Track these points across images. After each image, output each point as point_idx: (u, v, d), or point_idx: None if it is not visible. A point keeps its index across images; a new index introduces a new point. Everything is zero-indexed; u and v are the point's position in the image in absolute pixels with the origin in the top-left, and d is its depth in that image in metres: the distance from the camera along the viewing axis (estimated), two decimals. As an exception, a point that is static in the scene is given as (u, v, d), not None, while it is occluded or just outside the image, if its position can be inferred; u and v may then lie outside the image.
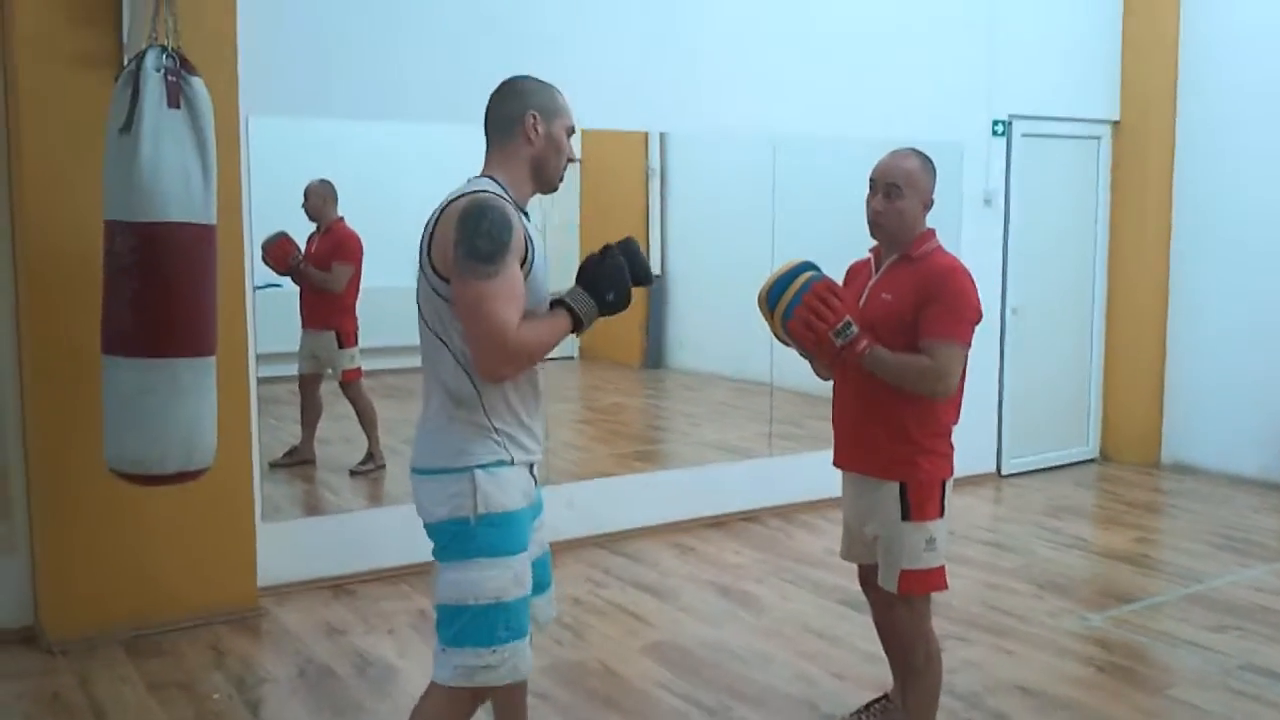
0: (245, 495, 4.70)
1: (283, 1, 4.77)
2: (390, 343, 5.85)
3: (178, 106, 3.73)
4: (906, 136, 3.88)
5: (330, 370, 6.01)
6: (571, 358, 7.65)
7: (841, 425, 3.41)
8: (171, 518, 4.45)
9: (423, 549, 2.71)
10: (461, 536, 2.59)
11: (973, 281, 3.24)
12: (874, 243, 3.38)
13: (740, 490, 6.31)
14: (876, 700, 3.76)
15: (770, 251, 6.09)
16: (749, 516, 6.25)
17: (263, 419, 4.96)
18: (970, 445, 5.63)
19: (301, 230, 5.82)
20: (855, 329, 3.11)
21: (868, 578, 3.49)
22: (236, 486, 4.62)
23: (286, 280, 5.74)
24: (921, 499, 3.23)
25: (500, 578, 2.60)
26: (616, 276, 2.72)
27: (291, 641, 4.50)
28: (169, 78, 3.70)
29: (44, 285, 4.25)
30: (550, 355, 2.71)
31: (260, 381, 4.87)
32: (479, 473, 2.59)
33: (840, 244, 3.68)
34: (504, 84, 2.75)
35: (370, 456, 5.96)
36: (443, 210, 2.57)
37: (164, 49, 3.75)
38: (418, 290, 2.66)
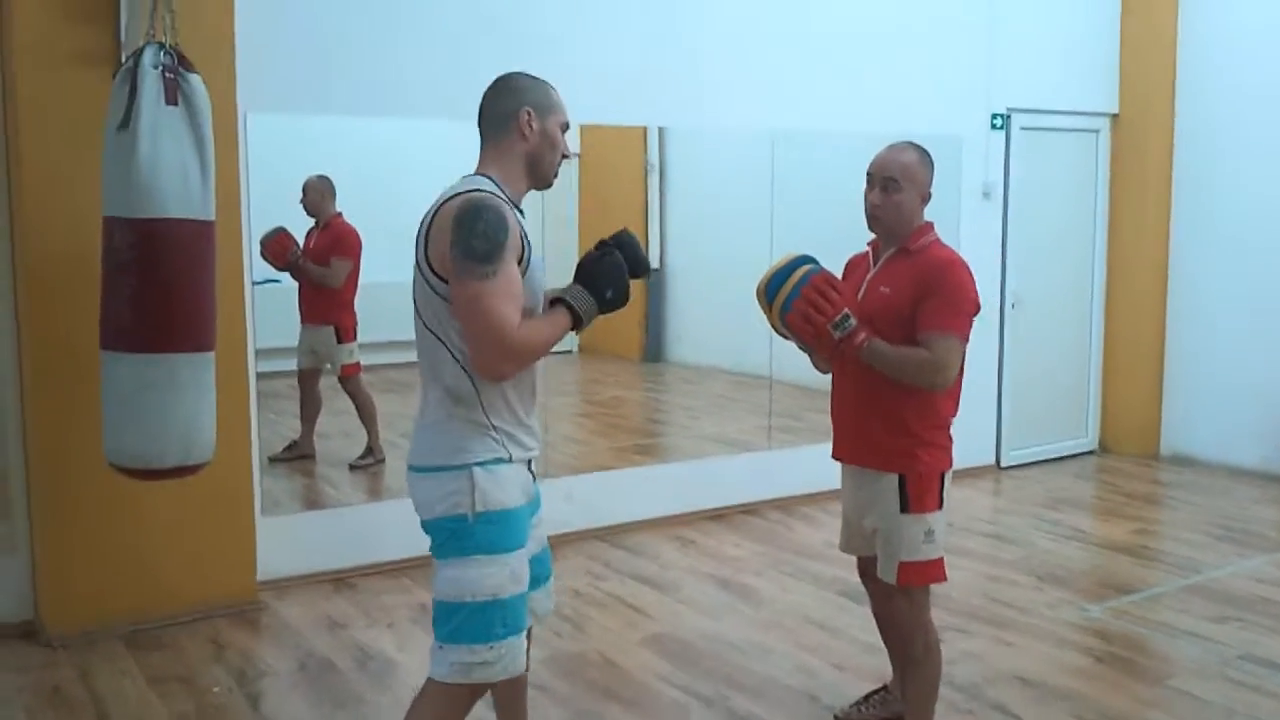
0: (245, 490, 4.71)
1: (281, -3, 4.77)
2: (389, 337, 5.85)
3: (176, 104, 3.73)
4: (905, 130, 3.88)
5: (329, 365, 6.01)
6: (571, 351, 7.66)
7: (840, 418, 3.42)
8: (171, 512, 4.46)
9: (423, 543, 2.71)
10: (460, 534, 2.59)
11: (971, 274, 3.25)
12: (872, 236, 3.39)
13: (740, 483, 6.32)
14: (876, 691, 3.77)
15: (769, 245, 6.09)
16: (749, 509, 6.26)
17: (262, 414, 4.96)
18: (970, 437, 5.65)
19: (300, 226, 5.82)
20: (854, 321, 3.11)
21: (867, 570, 3.50)
22: (236, 481, 4.63)
23: (285, 276, 5.74)
24: (920, 491, 3.23)
25: (498, 575, 2.60)
26: (615, 274, 2.73)
27: (292, 635, 4.51)
28: (167, 75, 3.71)
29: (43, 282, 4.25)
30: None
31: (259, 376, 4.88)
32: (477, 470, 2.59)
33: (839, 238, 3.68)
34: (498, 81, 2.74)
35: (370, 451, 5.96)
36: (438, 209, 2.57)
37: (162, 46, 3.75)
38: (414, 288, 2.66)
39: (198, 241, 3.81)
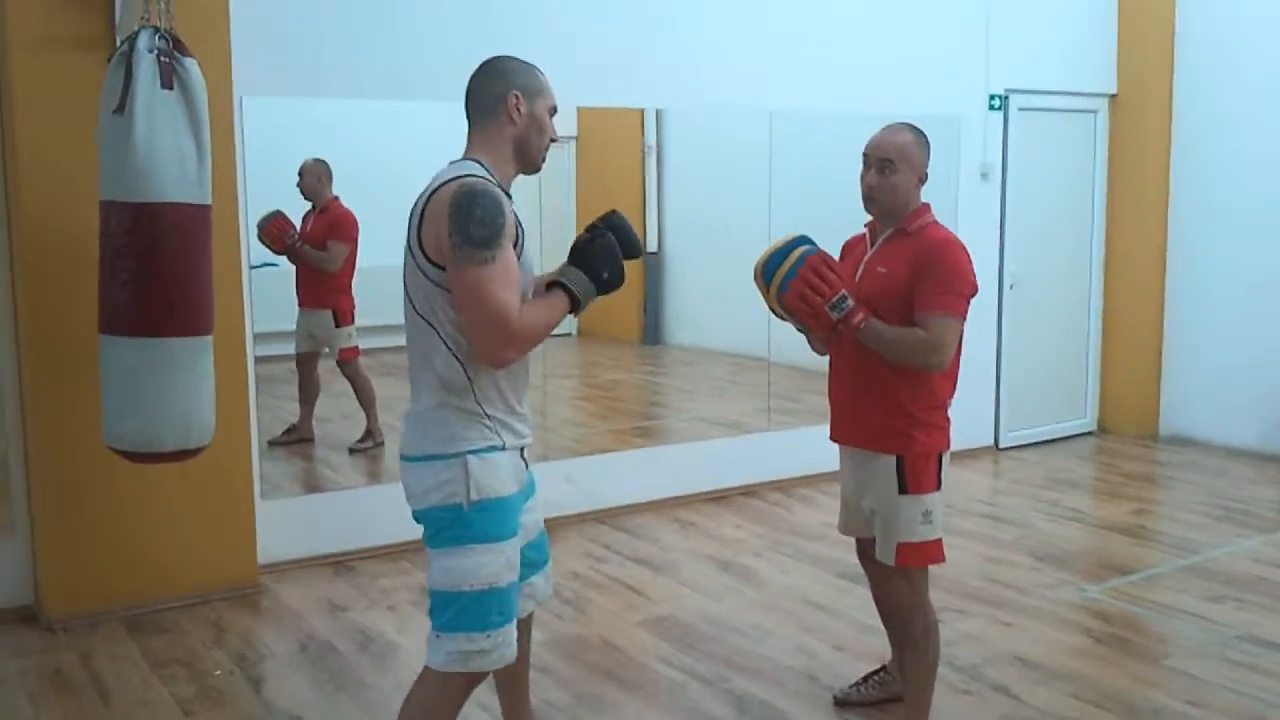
0: (245, 473, 4.71)
1: (275, -20, 4.75)
2: (387, 321, 5.79)
3: (171, 88, 3.72)
4: (904, 111, 3.87)
5: (327, 349, 6.00)
6: (570, 335, 7.65)
7: (838, 399, 3.42)
8: (171, 496, 4.47)
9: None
10: (455, 523, 2.58)
11: (968, 255, 3.25)
12: (869, 217, 3.38)
13: (739, 465, 6.33)
14: (875, 672, 3.78)
15: (767, 227, 6.08)
16: (748, 491, 6.27)
17: (261, 398, 4.97)
18: (968, 418, 5.66)
19: (297, 209, 5.81)
20: (851, 302, 3.11)
21: (865, 551, 3.51)
22: (236, 465, 4.63)
23: (283, 260, 5.73)
24: (918, 472, 3.24)
25: (494, 563, 2.60)
26: (609, 255, 2.72)
27: (292, 618, 4.52)
28: (162, 59, 3.69)
29: (40, 266, 4.25)
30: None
31: (258, 360, 4.88)
32: (471, 458, 2.57)
33: (837, 218, 3.67)
34: (485, 64, 2.72)
35: (369, 434, 5.97)
36: (430, 195, 2.55)
37: (157, 30, 3.73)
38: (404, 274, 2.64)
39: (195, 225, 3.80)
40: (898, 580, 3.37)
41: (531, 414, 2.78)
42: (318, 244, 5.83)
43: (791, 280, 3.09)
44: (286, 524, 5.00)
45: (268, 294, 5.21)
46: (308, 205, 5.87)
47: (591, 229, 2.77)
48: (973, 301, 3.23)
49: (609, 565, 5.12)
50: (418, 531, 2.69)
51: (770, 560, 5.20)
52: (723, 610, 4.58)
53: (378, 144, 5.81)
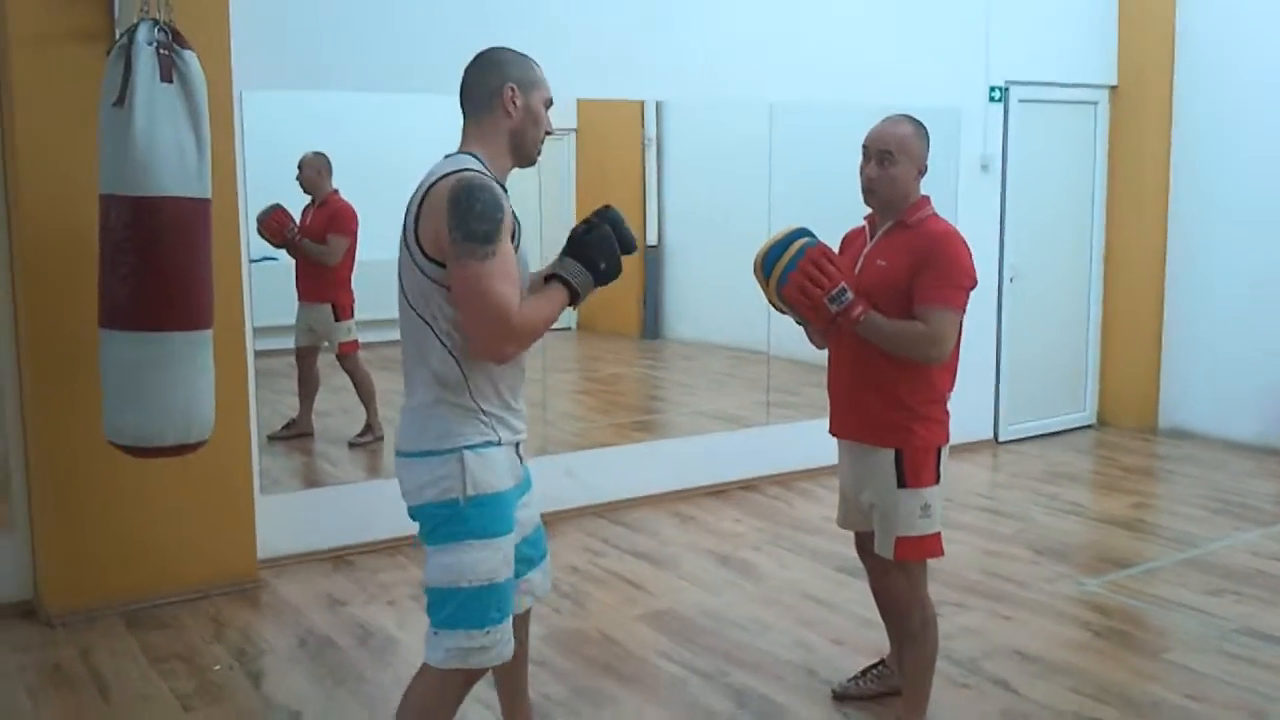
0: (244, 468, 4.71)
1: (274, -27, 4.74)
2: (387, 315, 5.78)
3: (171, 81, 3.71)
4: (904, 103, 3.86)
5: (327, 343, 6.00)
6: (570, 329, 7.65)
7: (837, 393, 3.42)
8: (170, 491, 4.47)
9: (422, 520, 2.70)
10: (451, 519, 2.57)
11: (967, 247, 3.24)
12: (869, 210, 3.38)
13: (739, 459, 6.33)
14: (874, 666, 3.79)
15: (767, 219, 6.08)
16: (747, 485, 6.27)
17: (260, 392, 4.97)
18: (968, 412, 5.65)
19: (296, 203, 5.80)
20: (850, 295, 3.11)
21: (864, 545, 3.51)
22: (235, 459, 4.63)
23: (282, 253, 5.73)
24: (917, 465, 3.24)
25: (491, 559, 2.59)
26: (605, 245, 2.70)
27: (292, 613, 4.52)
28: (161, 51, 3.69)
29: (40, 261, 4.24)
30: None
31: (257, 355, 4.88)
32: (468, 454, 2.56)
33: (838, 211, 3.67)
34: (480, 56, 2.70)
35: (369, 428, 5.96)
36: (427, 191, 2.52)
37: (156, 23, 3.73)
38: (399, 270, 2.62)
39: (195, 219, 3.80)
40: (896, 574, 3.37)
41: (527, 409, 2.77)
42: (317, 237, 5.82)
43: (791, 273, 3.09)
44: (286, 519, 5.00)
45: (267, 288, 5.21)
46: (307, 199, 5.87)
47: (587, 221, 2.76)
48: (972, 294, 3.23)
49: (608, 559, 5.12)
50: (416, 527, 2.68)
51: (769, 554, 5.20)
52: (722, 604, 4.58)
53: (377, 137, 5.80)
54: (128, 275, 3.72)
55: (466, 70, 2.69)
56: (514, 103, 2.64)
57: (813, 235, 3.17)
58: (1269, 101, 6.91)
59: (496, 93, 2.63)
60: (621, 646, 4.18)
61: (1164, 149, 7.42)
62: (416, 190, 2.57)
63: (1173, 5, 7.29)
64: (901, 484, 3.24)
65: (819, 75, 6.25)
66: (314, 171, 5.85)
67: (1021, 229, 7.20)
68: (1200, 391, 7.38)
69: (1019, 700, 3.71)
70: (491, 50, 2.70)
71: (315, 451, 5.94)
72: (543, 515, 2.98)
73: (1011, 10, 6.90)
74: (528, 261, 2.70)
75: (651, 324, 7.91)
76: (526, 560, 2.82)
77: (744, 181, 6.60)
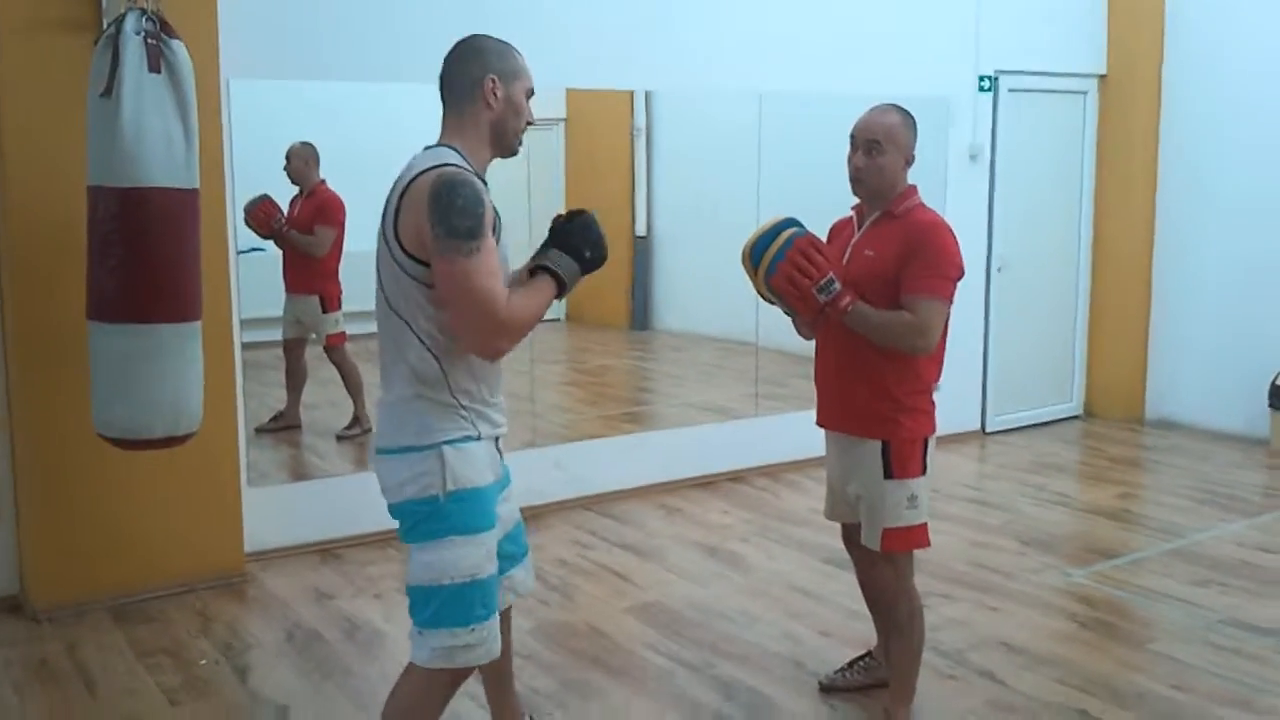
0: (231, 461, 4.69)
1: (261, -38, 4.71)
2: (374, 307, 5.82)
3: (159, 71, 3.69)
4: (893, 92, 3.86)
5: (314, 335, 5.98)
6: (558, 320, 7.64)
7: (824, 384, 3.42)
8: (157, 485, 4.45)
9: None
10: (432, 516, 2.54)
11: (955, 237, 3.24)
12: (857, 200, 3.37)
13: (727, 450, 6.33)
14: (861, 657, 3.79)
15: (756, 210, 6.06)
16: (735, 476, 6.27)
17: (248, 384, 4.95)
18: (955, 402, 5.67)
19: (284, 193, 5.78)
20: (838, 285, 3.11)
21: (851, 536, 3.51)
22: (222, 452, 4.61)
23: (270, 244, 5.70)
24: (903, 457, 3.24)
25: (474, 555, 2.56)
26: (589, 233, 2.66)
27: (279, 606, 4.51)
28: (149, 41, 3.67)
29: (28, 252, 4.21)
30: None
31: (245, 347, 4.86)
32: (447, 449, 2.53)
33: (827, 200, 3.66)
34: (460, 45, 2.64)
35: (356, 420, 5.94)
36: (407, 186, 2.48)
37: (144, 12, 3.71)
38: (378, 264, 2.58)
39: (183, 210, 3.79)
40: (883, 565, 3.38)
41: (512, 402, 2.74)
42: (305, 228, 5.80)
43: (779, 263, 3.08)
44: (273, 512, 4.98)
45: (254, 279, 5.19)
46: (295, 189, 5.84)
47: (569, 213, 2.72)
48: (960, 285, 3.23)
49: (596, 551, 5.12)
50: (403, 521, 2.66)
51: (757, 546, 5.20)
52: (709, 596, 4.59)
53: (365, 127, 5.77)
54: (116, 267, 3.70)
55: (446, 59, 2.64)
56: (495, 94, 2.59)
57: (801, 225, 3.16)
58: (1258, 92, 6.92)
59: (477, 84, 2.58)
60: (609, 639, 4.18)
61: (1153, 139, 7.43)
62: (395, 184, 2.54)
63: (1162, -6, 7.30)
64: (888, 475, 3.24)
65: (808, 65, 6.24)
66: (301, 162, 5.82)
67: (1010, 219, 7.20)
68: (1187, 382, 7.40)
69: (1005, 691, 3.73)
70: (472, 39, 2.65)
71: (303, 444, 5.92)
72: (531, 507, 2.99)
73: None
74: (508, 256, 2.66)
75: (640, 315, 7.91)
76: (509, 557, 2.79)
77: (733, 172, 6.60)
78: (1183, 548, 5.14)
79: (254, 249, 5.51)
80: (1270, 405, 6.86)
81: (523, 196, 5.69)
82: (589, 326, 8.12)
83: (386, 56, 5.03)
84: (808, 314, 3.22)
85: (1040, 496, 5.98)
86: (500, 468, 2.71)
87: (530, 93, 2.67)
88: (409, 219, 2.46)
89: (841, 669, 3.77)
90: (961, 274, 3.23)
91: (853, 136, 3.27)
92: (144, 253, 3.70)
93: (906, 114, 3.28)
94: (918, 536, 3.31)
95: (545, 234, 2.70)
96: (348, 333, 5.97)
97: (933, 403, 3.32)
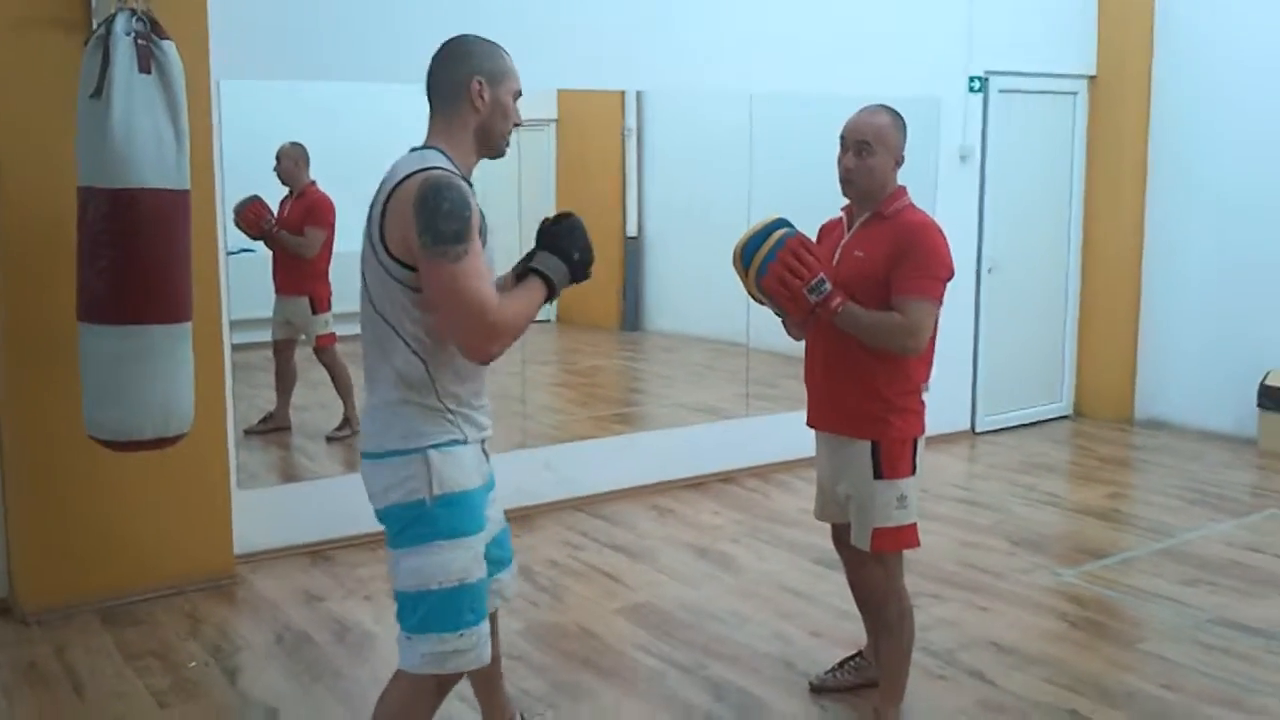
0: (220, 462, 4.68)
1: (250, -37, 4.70)
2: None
3: (149, 71, 3.68)
4: (883, 93, 3.86)
5: (304, 336, 5.97)
6: (549, 321, 7.63)
7: (813, 384, 3.42)
8: (146, 486, 4.43)
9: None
10: (419, 520, 2.51)
11: (945, 238, 3.25)
12: (846, 201, 3.38)
13: (717, 451, 6.33)
14: (851, 657, 3.80)
15: (747, 211, 6.07)
16: (726, 477, 6.27)
17: (237, 386, 4.94)
18: (945, 403, 5.68)
19: (274, 194, 5.76)
20: (829, 286, 3.11)
21: (841, 536, 3.52)
22: (212, 454, 4.60)
23: (259, 245, 5.69)
24: (893, 457, 3.25)
25: (462, 559, 2.53)
26: (577, 235, 2.65)
27: (268, 608, 4.50)
28: (139, 42, 3.66)
29: (18, 253, 4.20)
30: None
31: (234, 348, 4.85)
32: (433, 453, 2.50)
33: (818, 201, 3.67)
34: (447, 45, 2.62)
35: (346, 422, 5.93)
36: (393, 190, 2.45)
37: (134, 13, 3.69)
38: (363, 267, 2.55)
39: (173, 211, 3.78)
40: (873, 565, 3.38)
41: (501, 404, 2.74)
42: (295, 229, 5.79)
43: (770, 263, 3.08)
44: (263, 513, 4.97)
45: (244, 280, 5.18)
46: (285, 190, 5.83)
47: (556, 216, 2.71)
48: (950, 285, 3.24)
49: (586, 553, 5.11)
50: (393, 523, 2.65)
51: (747, 546, 5.20)
52: (700, 597, 4.59)
53: (355, 128, 5.76)
54: (106, 268, 3.69)
55: (433, 60, 2.62)
56: (481, 96, 2.56)
57: (791, 226, 3.17)
58: (1247, 94, 6.94)
59: (463, 86, 2.55)
60: (600, 640, 4.18)
61: (1142, 140, 7.45)
62: (380, 187, 2.51)
63: (1151, -4, 7.32)
64: (878, 475, 3.25)
65: (799, 66, 6.24)
66: (291, 162, 5.80)
67: (1000, 220, 7.21)
68: (1177, 382, 7.42)
69: (995, 691, 3.73)
70: (458, 39, 2.62)
71: (293, 446, 5.91)
72: (521, 508, 2.99)
73: (991, 0, 6.90)
74: (494, 259, 2.63)
75: (631, 316, 7.90)
76: (496, 561, 2.77)
77: (724, 172, 6.59)
78: (1172, 547, 5.16)
79: (244, 250, 5.49)
80: (1259, 405, 6.89)
81: (513, 197, 5.68)
82: (580, 327, 8.11)
83: (376, 57, 5.02)
84: (798, 315, 3.23)
85: (1030, 496, 5.99)
86: (487, 471, 2.70)
87: (518, 94, 2.65)
88: (395, 223, 2.43)
89: (832, 669, 3.78)
90: (951, 275, 3.24)
91: (842, 137, 3.27)
92: (134, 254, 3.69)
93: (896, 115, 3.28)
94: (907, 537, 3.31)
95: (529, 233, 2.69)
96: (338, 334, 5.96)
97: (922, 403, 3.33)
